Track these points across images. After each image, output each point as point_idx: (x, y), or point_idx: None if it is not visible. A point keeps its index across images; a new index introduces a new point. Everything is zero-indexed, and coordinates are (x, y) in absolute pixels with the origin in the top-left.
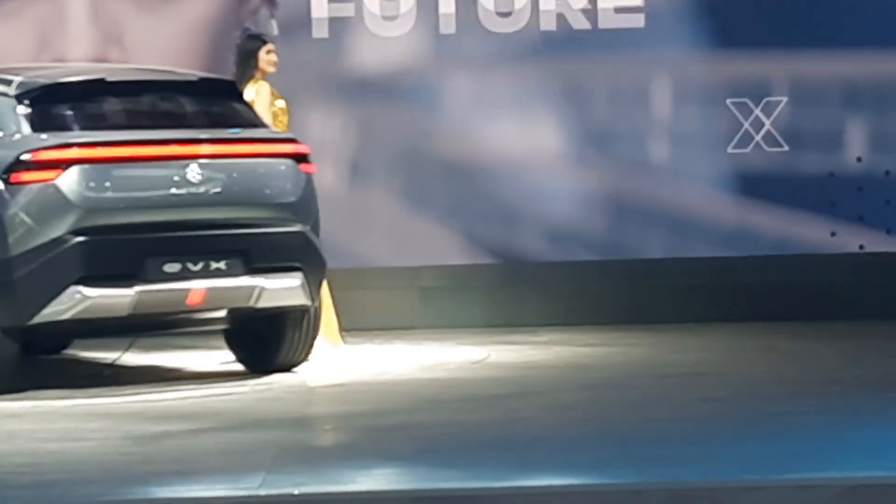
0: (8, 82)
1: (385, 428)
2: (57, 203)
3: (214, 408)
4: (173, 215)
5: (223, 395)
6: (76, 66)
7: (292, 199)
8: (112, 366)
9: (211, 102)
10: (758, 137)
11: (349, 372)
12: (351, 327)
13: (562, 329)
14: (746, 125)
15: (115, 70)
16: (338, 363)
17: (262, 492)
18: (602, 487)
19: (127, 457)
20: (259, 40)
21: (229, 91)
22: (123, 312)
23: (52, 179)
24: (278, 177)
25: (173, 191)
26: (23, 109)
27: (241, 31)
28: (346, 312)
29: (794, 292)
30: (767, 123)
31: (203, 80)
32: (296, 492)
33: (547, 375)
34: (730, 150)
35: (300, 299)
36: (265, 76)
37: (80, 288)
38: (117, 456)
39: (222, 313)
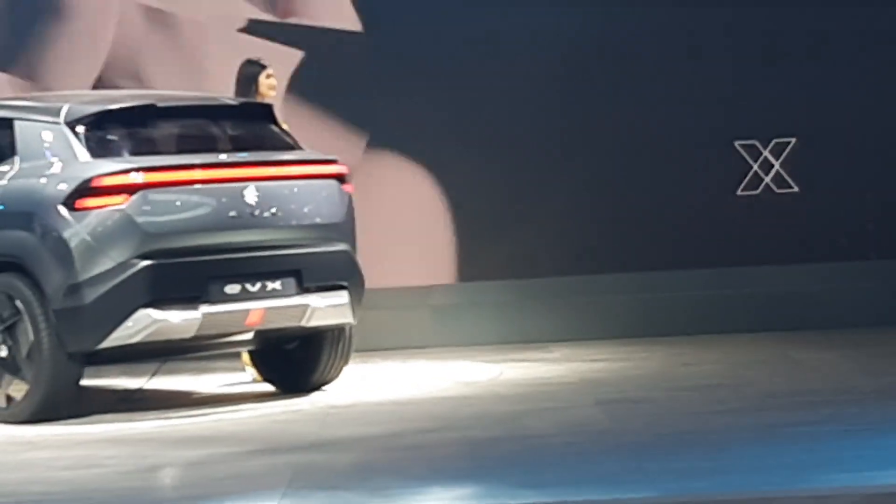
0: (55, 110)
1: (400, 448)
2: (124, 228)
3: (230, 431)
4: (232, 237)
5: (238, 418)
6: (119, 93)
7: (338, 218)
8: (140, 390)
9: (252, 126)
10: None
11: (363, 392)
12: (364, 348)
13: (574, 344)
14: None
15: (162, 96)
16: (351, 384)
17: None
18: (618, 502)
19: (141, 483)
20: (258, 65)
21: (267, 114)
22: (189, 334)
23: (119, 205)
24: (326, 197)
25: (232, 213)
26: (76, 136)
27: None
28: (359, 333)
29: (805, 301)
30: None
31: (243, 105)
32: None
33: (560, 391)
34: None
35: (346, 317)
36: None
37: (149, 311)
38: (131, 482)
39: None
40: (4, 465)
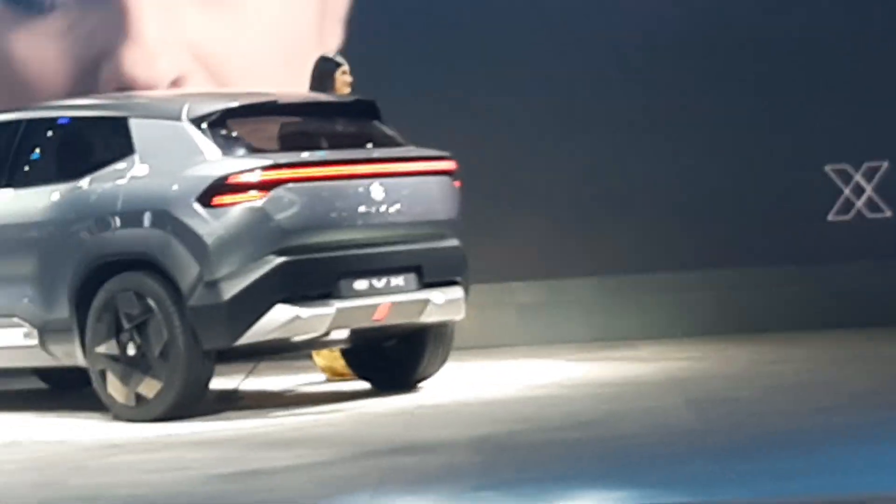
0: (175, 108)
1: (488, 449)
2: (261, 224)
3: (316, 432)
4: (360, 233)
5: (324, 419)
6: (230, 91)
7: (450, 214)
8: (236, 391)
9: (364, 122)
10: None
11: (449, 392)
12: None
13: (661, 342)
14: None
15: (282, 93)
16: (437, 383)
17: None
18: None
19: (227, 486)
20: (333, 62)
21: (375, 111)
22: (322, 330)
23: (255, 201)
24: (440, 193)
25: (360, 209)
26: (202, 134)
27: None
28: None
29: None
30: None
31: (356, 101)
32: None
33: (649, 390)
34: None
35: (460, 313)
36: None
37: (286, 307)
38: (218, 486)
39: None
40: (91, 469)
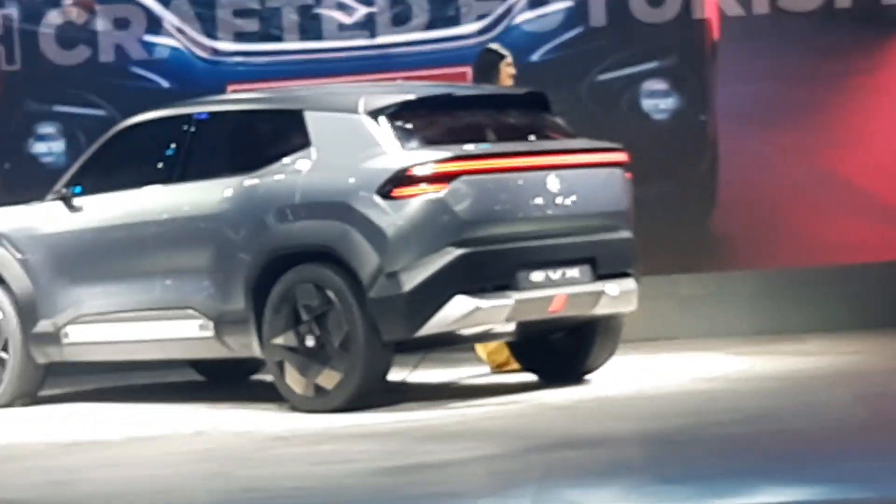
0: (352, 101)
1: (653, 444)
2: (441, 215)
3: (480, 426)
4: (536, 225)
5: (487, 412)
6: (402, 84)
7: (623, 206)
8: (404, 383)
9: (535, 114)
10: None
11: (611, 385)
12: None
13: (829, 336)
14: None
15: (456, 85)
16: (599, 377)
17: None
18: (884, 500)
19: (392, 479)
20: (497, 54)
21: (545, 103)
22: (500, 321)
23: (437, 193)
24: (614, 185)
25: (537, 201)
26: (380, 127)
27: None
28: None
29: None
30: None
31: (528, 94)
32: None
33: (816, 384)
34: None
35: (632, 305)
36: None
37: (466, 298)
38: (383, 478)
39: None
40: (257, 461)
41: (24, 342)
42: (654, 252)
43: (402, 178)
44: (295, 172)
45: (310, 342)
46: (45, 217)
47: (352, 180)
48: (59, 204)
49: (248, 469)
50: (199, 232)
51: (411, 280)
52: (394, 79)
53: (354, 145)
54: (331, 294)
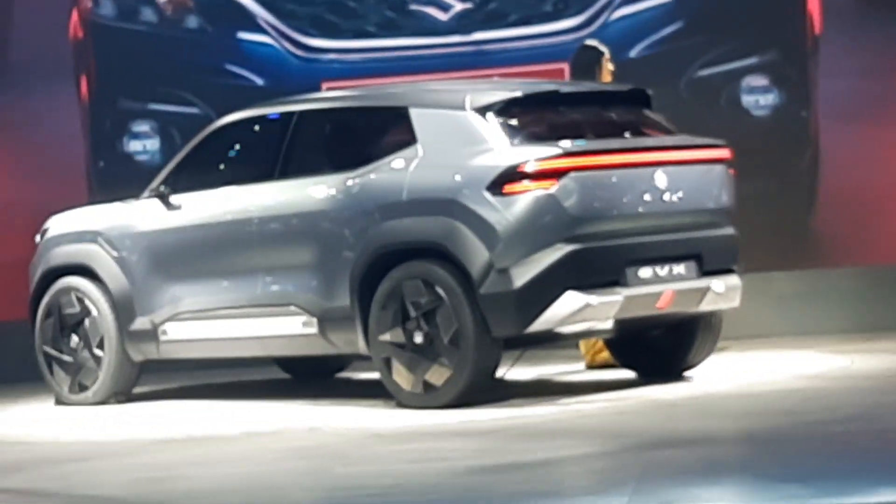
0: (457, 98)
1: (749, 443)
2: (552, 212)
3: (575, 424)
4: (644, 221)
5: (582, 409)
6: (513, 81)
7: (726, 202)
8: (502, 380)
9: (637, 111)
10: None
11: (706, 384)
12: None
13: None
14: None
15: (561, 82)
16: (694, 375)
17: None
18: None
19: (487, 478)
20: (597, 51)
21: (647, 100)
22: (608, 318)
23: (547, 189)
24: (718, 181)
25: (645, 197)
26: (487, 123)
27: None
28: None
29: None
30: None
31: (631, 90)
32: None
33: None
34: None
35: (735, 302)
36: None
37: (577, 294)
38: (477, 477)
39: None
40: (353, 458)
41: (119, 340)
42: (752, 249)
43: (513, 175)
44: (401, 169)
45: (418, 338)
46: (142, 215)
47: (461, 177)
48: (156, 202)
49: (343, 466)
50: (302, 229)
51: (522, 276)
52: (490, 76)
53: (461, 142)
54: (440, 290)
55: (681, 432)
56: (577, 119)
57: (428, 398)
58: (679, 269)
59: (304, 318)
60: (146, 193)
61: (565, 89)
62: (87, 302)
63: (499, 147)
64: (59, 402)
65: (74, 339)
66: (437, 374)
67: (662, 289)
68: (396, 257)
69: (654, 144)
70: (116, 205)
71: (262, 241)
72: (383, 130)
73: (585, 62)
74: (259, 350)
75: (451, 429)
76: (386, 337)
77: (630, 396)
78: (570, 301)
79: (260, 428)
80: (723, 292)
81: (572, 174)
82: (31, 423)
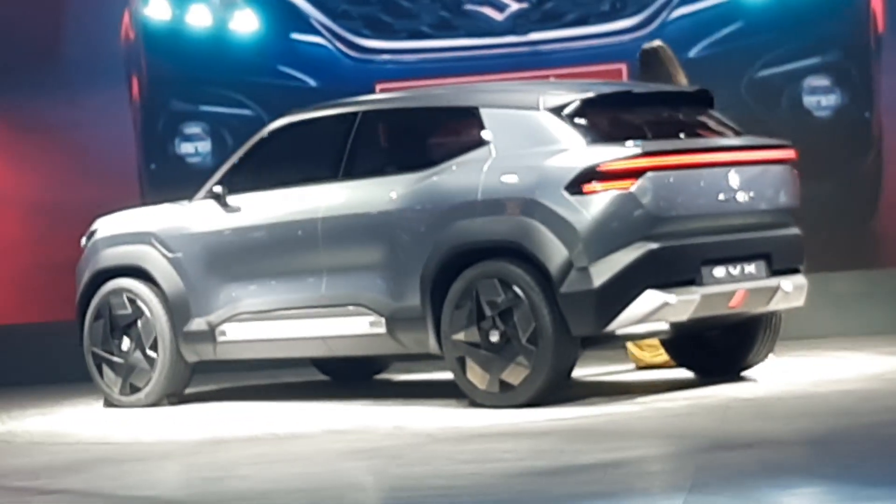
0: (531, 98)
1: (806, 444)
2: (631, 211)
3: (629, 425)
4: (719, 221)
5: (636, 411)
6: (582, 82)
7: (792, 202)
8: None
9: (703, 111)
10: None
11: (762, 385)
12: None
13: None
14: None
15: (632, 84)
16: (750, 376)
17: None
18: None
19: (539, 479)
20: (665, 51)
21: (711, 101)
22: (685, 317)
23: (627, 188)
24: (784, 181)
25: (719, 196)
26: (561, 123)
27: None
28: None
29: None
30: None
31: (697, 91)
32: None
33: None
34: None
35: (800, 301)
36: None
37: (657, 293)
38: (530, 479)
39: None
40: (408, 458)
41: (173, 341)
42: (813, 250)
43: (593, 174)
44: (474, 169)
45: (494, 337)
46: (198, 216)
47: (538, 177)
48: (212, 203)
49: (398, 466)
50: (370, 229)
51: (602, 275)
52: (545, 76)
53: (535, 142)
54: (518, 290)
55: (736, 434)
56: (648, 119)
57: (504, 397)
58: (750, 268)
59: (371, 317)
60: (200, 195)
61: (636, 90)
62: (139, 303)
63: (575, 147)
64: (108, 403)
65: (126, 340)
66: (515, 374)
67: (735, 288)
68: (470, 257)
69: (726, 144)
70: (169, 206)
71: (328, 241)
72: (453, 131)
73: (655, 63)
74: (323, 350)
75: (506, 430)
76: (460, 336)
77: (685, 398)
78: (649, 300)
79: (315, 428)
80: (791, 291)
81: (650, 174)
82: (85, 423)
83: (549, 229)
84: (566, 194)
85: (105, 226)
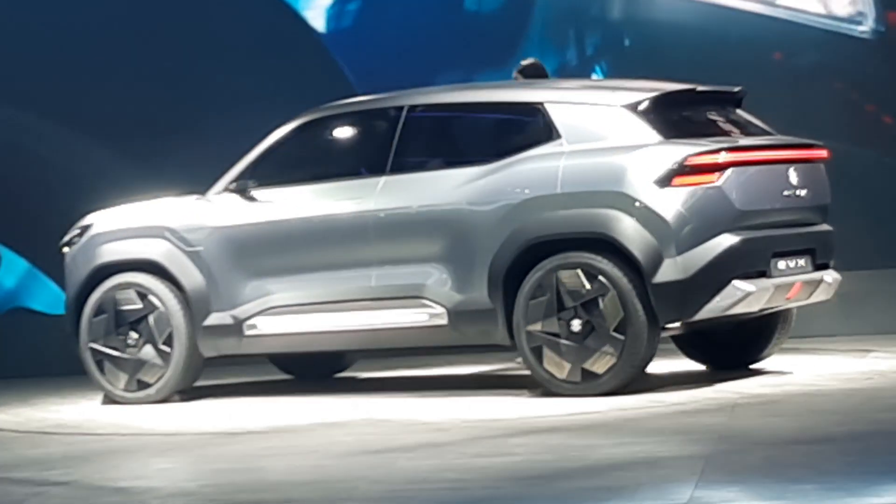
0: (605, 96)
1: (812, 441)
2: (718, 204)
3: (638, 420)
4: (783, 216)
5: (644, 406)
6: (643, 81)
7: (828, 200)
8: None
9: (739, 111)
10: None
11: (770, 381)
12: None
13: None
14: None
15: (693, 84)
16: (758, 372)
17: None
18: None
19: (552, 471)
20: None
21: (741, 101)
22: (757, 307)
23: (714, 182)
24: (822, 180)
25: (784, 192)
26: (638, 119)
27: None
28: None
29: None
30: None
31: (739, 91)
32: None
33: None
34: None
35: (830, 295)
36: None
37: (741, 283)
38: (542, 470)
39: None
40: (418, 452)
41: (190, 335)
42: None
43: (682, 169)
44: (548, 163)
45: (575, 327)
46: (220, 209)
47: (623, 171)
48: (235, 197)
49: (410, 460)
50: (430, 222)
51: (693, 266)
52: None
53: (610, 137)
54: (604, 280)
55: (744, 429)
56: (707, 117)
57: (587, 386)
58: (801, 262)
59: (432, 309)
60: (218, 188)
61: (701, 89)
62: (151, 298)
63: (654, 143)
64: (108, 400)
65: (133, 335)
66: (600, 363)
67: (794, 280)
68: (548, 248)
69: (787, 143)
70: (183, 200)
71: (380, 234)
72: (517, 126)
73: (540, 76)
74: (369, 342)
75: (516, 424)
76: (537, 327)
77: (694, 392)
78: (735, 290)
79: (326, 422)
80: (829, 284)
81: (732, 169)
82: (98, 414)
83: (639, 221)
84: (656, 187)
85: (103, 220)
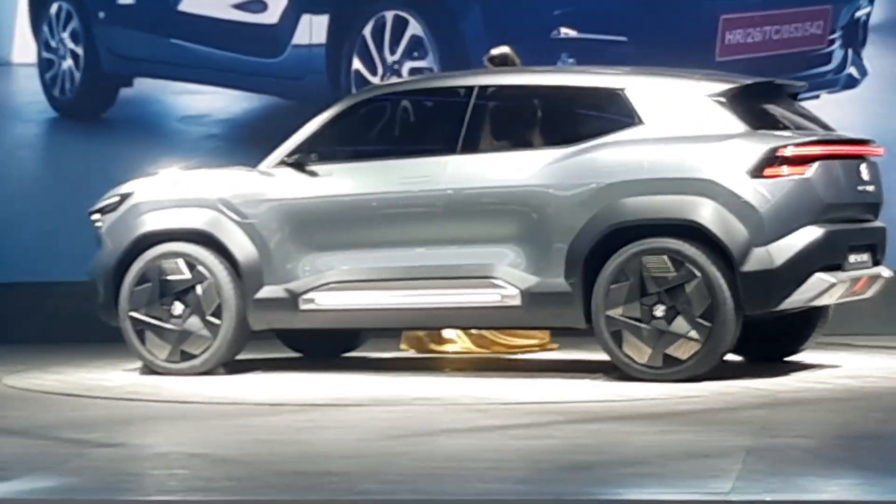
0: (689, 84)
1: (853, 436)
2: (807, 195)
3: (677, 409)
4: (856, 211)
5: (685, 396)
6: (723, 73)
7: (881, 197)
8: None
9: (795, 104)
10: None
11: (811, 376)
12: None
13: None
14: None
15: (770, 78)
16: (799, 365)
17: (734, 497)
18: None
19: (591, 456)
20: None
21: (797, 95)
22: (833, 300)
23: (803, 173)
24: (878, 177)
25: (858, 187)
26: (724, 109)
27: None
28: None
29: None
30: None
31: (804, 86)
32: (767, 498)
33: None
34: None
35: (880, 289)
36: None
37: (825, 275)
38: (582, 455)
39: None
40: (459, 430)
41: (239, 307)
42: None
43: (774, 159)
44: (632, 148)
45: (659, 313)
46: (276, 182)
47: (713, 159)
48: (292, 171)
49: (448, 438)
50: (505, 202)
51: (781, 256)
52: None
53: (695, 125)
54: (691, 266)
55: (785, 422)
56: (781, 109)
57: (668, 372)
58: (863, 256)
59: (504, 290)
60: (272, 161)
61: (777, 81)
62: (199, 268)
63: (742, 132)
64: (148, 370)
65: (178, 305)
66: (684, 349)
67: (862, 274)
68: (631, 233)
69: (859, 139)
70: (236, 171)
71: (450, 212)
72: (597, 109)
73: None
74: (435, 321)
75: (556, 409)
76: (618, 311)
77: (735, 384)
78: (820, 282)
79: (368, 399)
80: (886, 279)
81: (819, 161)
82: (141, 380)
83: (729, 210)
84: (748, 177)
85: (145, 189)
